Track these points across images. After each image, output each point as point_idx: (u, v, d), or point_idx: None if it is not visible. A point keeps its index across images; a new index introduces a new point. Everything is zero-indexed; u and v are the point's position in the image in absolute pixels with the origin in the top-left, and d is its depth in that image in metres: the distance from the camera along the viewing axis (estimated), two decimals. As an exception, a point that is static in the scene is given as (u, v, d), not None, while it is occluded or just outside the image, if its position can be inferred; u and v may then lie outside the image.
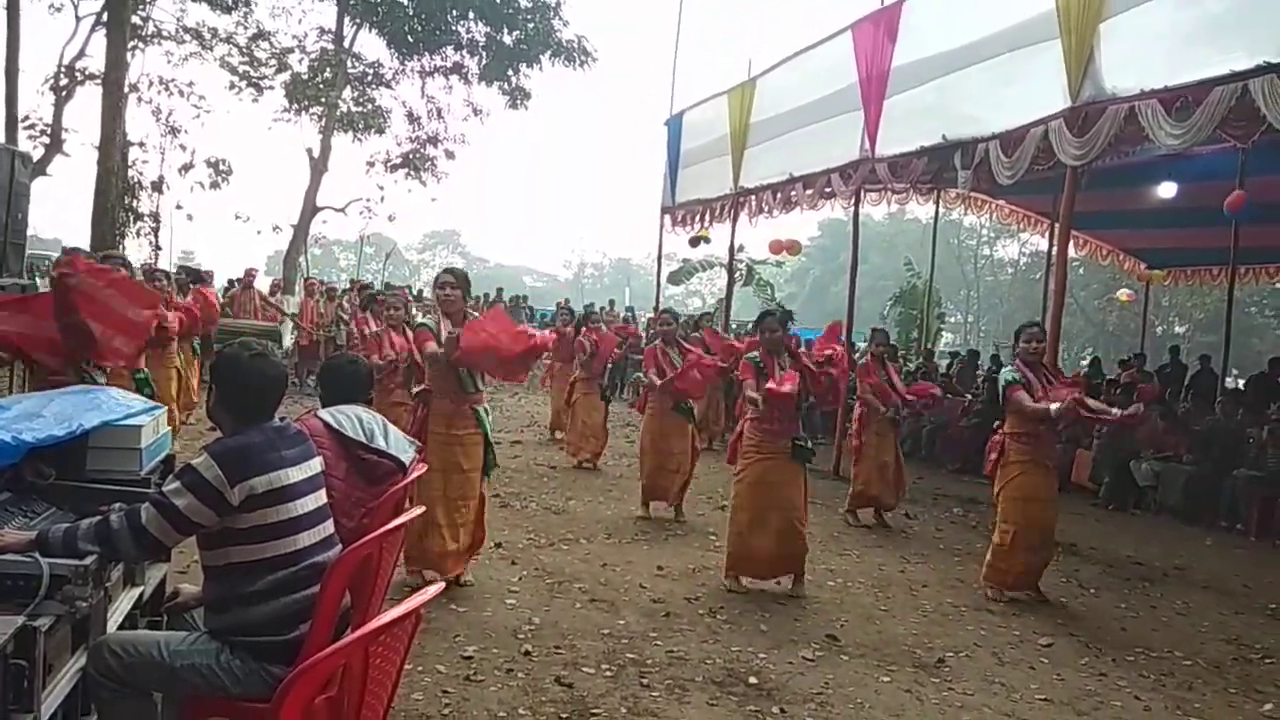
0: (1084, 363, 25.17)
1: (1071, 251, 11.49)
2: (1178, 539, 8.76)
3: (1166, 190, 11.26)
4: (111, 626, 2.69)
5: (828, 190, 10.74)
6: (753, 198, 12.19)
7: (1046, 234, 14.20)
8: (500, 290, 26.66)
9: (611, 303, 24.70)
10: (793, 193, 11.18)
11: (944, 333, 27.95)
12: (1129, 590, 6.69)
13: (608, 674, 4.33)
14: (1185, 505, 9.70)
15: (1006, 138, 7.80)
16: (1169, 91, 6.37)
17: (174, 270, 13.17)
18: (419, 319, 5.74)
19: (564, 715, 3.86)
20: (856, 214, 10.99)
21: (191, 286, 10.15)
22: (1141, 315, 22.04)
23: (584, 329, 10.65)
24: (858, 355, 9.90)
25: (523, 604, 5.25)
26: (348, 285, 18.78)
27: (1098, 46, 6.87)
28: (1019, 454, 6.04)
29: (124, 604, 2.88)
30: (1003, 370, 6.33)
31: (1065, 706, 4.40)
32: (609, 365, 11.20)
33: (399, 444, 3.59)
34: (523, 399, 16.54)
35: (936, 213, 14.22)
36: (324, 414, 3.55)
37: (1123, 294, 23.45)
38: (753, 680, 4.38)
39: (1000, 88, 7.96)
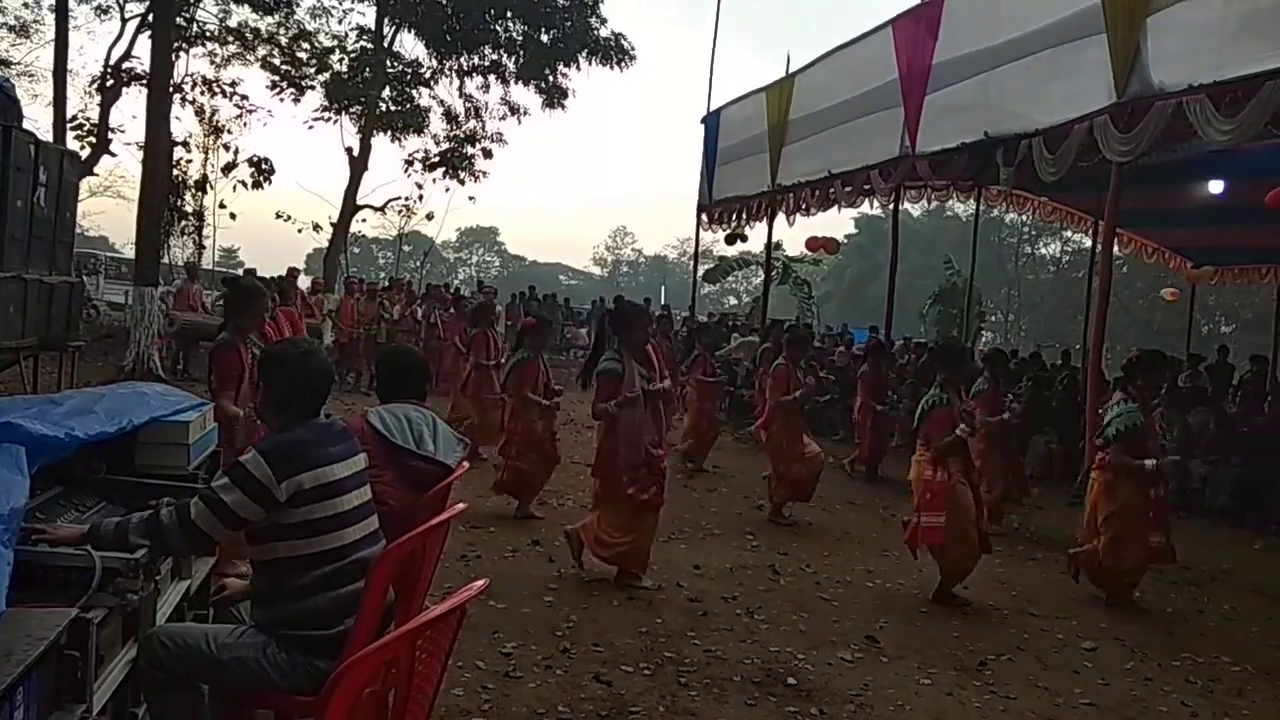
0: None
1: (1116, 249, 11.27)
2: (1226, 542, 8.58)
3: (1214, 187, 11.05)
4: (160, 619, 2.72)
5: (867, 187, 10.65)
6: (790, 195, 12.13)
7: (1090, 231, 13.98)
8: (533, 289, 26.82)
9: (647, 301, 24.68)
10: (831, 190, 11.12)
11: (984, 332, 27.60)
12: (1175, 594, 6.57)
13: (646, 672, 4.33)
14: (1233, 507, 9.50)
15: (1050, 134, 7.71)
16: (1218, 86, 6.26)
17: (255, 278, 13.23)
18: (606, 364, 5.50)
19: (602, 713, 3.87)
20: (896, 211, 10.94)
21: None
22: (1188, 314, 21.62)
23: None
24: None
25: (561, 601, 5.27)
26: (387, 284, 18.95)
27: (1144, 41, 6.77)
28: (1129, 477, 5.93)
29: (173, 597, 2.92)
30: (1124, 410, 5.86)
31: (1111, 711, 4.33)
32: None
33: (447, 444, 3.52)
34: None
35: (978, 210, 14.05)
36: (372, 416, 3.48)
37: (1167, 293, 23.06)
38: (791, 681, 4.36)
39: (1044, 84, 7.87)
